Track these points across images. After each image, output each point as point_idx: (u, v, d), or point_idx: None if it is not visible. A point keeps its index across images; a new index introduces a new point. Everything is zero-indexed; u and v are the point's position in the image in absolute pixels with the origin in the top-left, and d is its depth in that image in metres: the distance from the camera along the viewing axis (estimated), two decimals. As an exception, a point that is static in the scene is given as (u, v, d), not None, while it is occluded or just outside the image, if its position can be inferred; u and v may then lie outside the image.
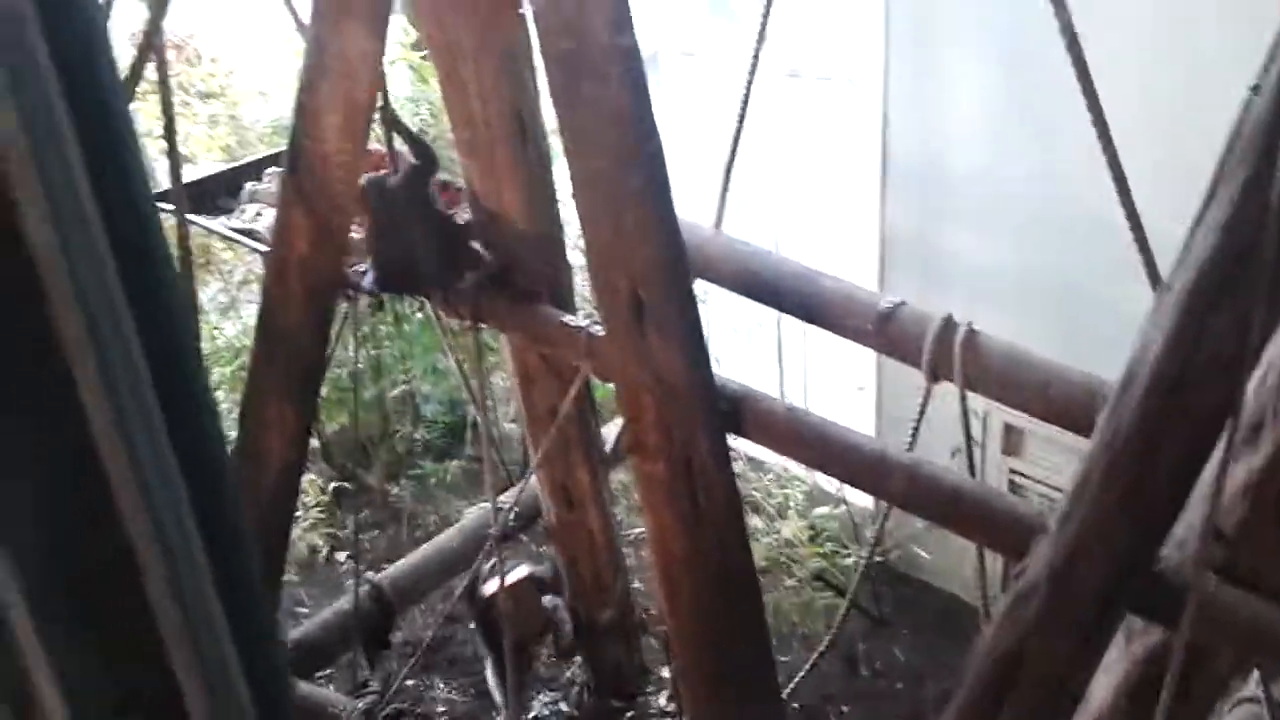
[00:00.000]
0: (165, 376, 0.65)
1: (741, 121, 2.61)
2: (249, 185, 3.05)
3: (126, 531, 0.61)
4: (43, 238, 0.54)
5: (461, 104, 2.44)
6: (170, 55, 4.87)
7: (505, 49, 2.33)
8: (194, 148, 5.57)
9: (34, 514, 0.62)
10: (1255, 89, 1.54)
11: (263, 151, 5.77)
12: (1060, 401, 2.25)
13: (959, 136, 4.66)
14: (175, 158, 2.62)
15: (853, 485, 2.72)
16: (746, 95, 2.52)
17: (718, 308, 4.83)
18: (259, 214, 2.90)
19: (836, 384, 5.55)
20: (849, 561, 4.84)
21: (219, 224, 2.87)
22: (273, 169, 3.08)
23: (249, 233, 2.83)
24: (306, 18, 2.42)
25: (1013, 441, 4.61)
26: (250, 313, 5.28)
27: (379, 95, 2.40)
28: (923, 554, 4.90)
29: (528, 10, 2.23)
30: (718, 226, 2.81)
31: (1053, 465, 4.45)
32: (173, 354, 0.67)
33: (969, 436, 2.44)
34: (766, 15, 2.38)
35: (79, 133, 0.56)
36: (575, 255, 3.11)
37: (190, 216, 2.78)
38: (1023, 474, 4.63)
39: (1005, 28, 4.18)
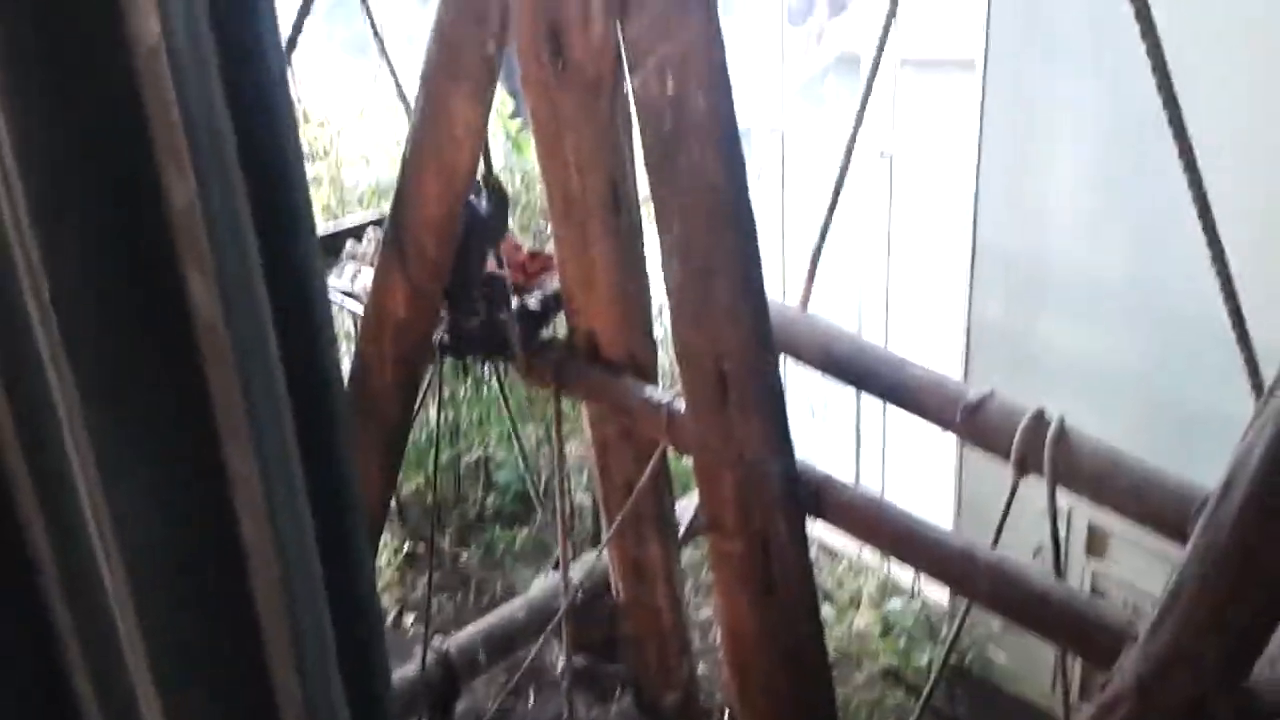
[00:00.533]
0: (313, 438, 0.65)
1: (834, 203, 2.61)
2: (349, 245, 3.13)
3: (252, 586, 0.62)
4: (206, 298, 0.55)
5: (558, 174, 2.49)
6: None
7: (605, 121, 2.37)
8: (295, 207, 5.73)
9: (170, 567, 0.62)
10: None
11: (361, 214, 5.95)
12: (1154, 505, 2.18)
13: (1053, 225, 4.62)
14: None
15: (938, 579, 2.65)
16: (841, 178, 2.53)
17: (798, 388, 4.81)
18: (357, 274, 2.97)
19: (915, 471, 5.46)
20: (923, 659, 4.71)
21: (316, 282, 2.95)
22: (372, 230, 3.16)
23: (346, 293, 2.90)
24: (413, 86, 2.50)
25: (1096, 542, 4.48)
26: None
27: (480, 162, 2.46)
28: (999, 655, 4.76)
29: (629, 84, 2.27)
30: (804, 306, 2.80)
31: (1136, 569, 4.31)
32: (324, 420, 0.68)
33: (1056, 534, 2.37)
34: (866, 98, 2.39)
35: (252, 189, 0.58)
36: (660, 328, 3.13)
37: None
38: (1105, 576, 4.49)
39: (1105, 115, 4.14)
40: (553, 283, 2.99)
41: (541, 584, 4.03)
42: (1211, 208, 2.11)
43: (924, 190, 5.59)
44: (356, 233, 3.22)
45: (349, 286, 2.94)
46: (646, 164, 2.44)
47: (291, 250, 0.64)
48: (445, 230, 2.49)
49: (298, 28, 2.61)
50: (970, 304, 4.98)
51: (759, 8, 7.66)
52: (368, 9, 3.21)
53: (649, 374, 2.93)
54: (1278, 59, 3.62)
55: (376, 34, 3.31)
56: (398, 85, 3.12)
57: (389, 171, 5.76)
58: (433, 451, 4.21)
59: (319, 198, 5.76)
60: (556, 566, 3.62)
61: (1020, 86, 4.50)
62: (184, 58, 0.52)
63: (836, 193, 2.65)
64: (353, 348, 2.86)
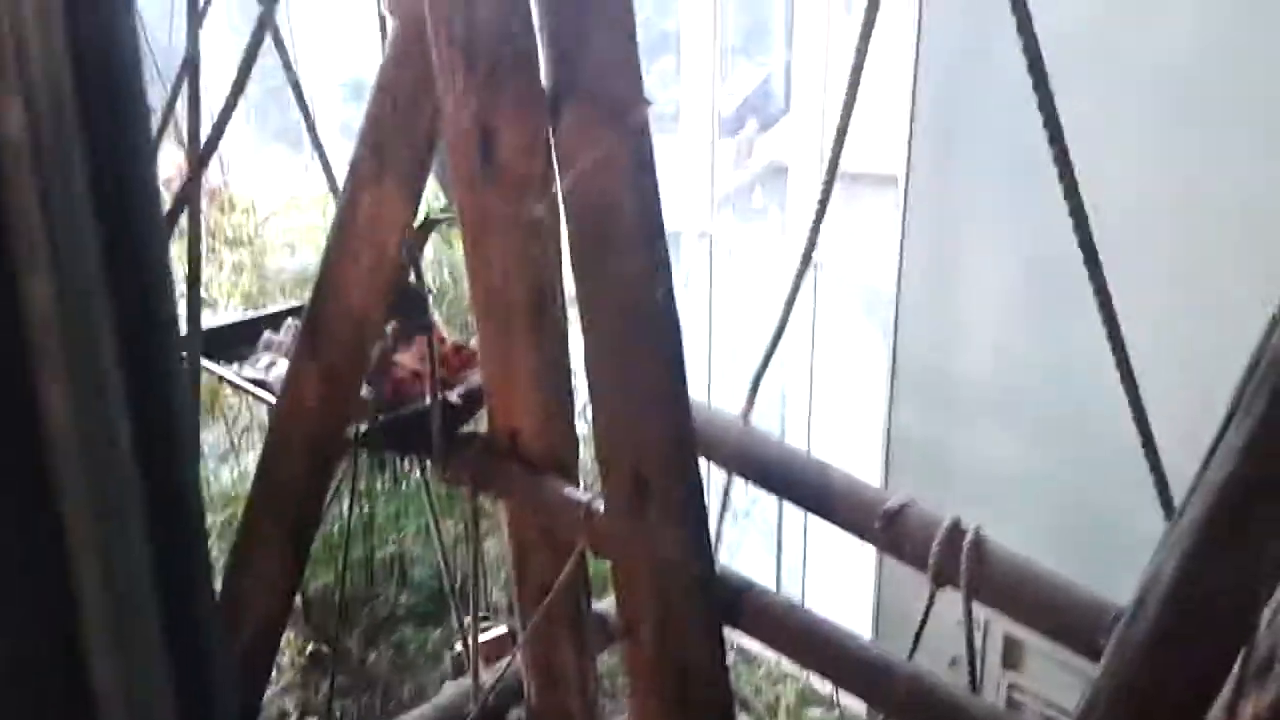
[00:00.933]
0: (163, 524, 0.62)
1: (784, 322, 2.64)
2: (266, 334, 3.07)
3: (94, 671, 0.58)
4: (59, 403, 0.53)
5: (484, 271, 2.47)
6: (204, 201, 5.01)
7: (534, 221, 2.38)
8: (215, 292, 5.66)
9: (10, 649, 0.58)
10: (1278, 316, 1.55)
11: (283, 302, 5.87)
12: (1066, 620, 2.18)
13: (972, 339, 4.72)
14: (196, 305, 2.65)
15: (853, 691, 2.62)
16: (793, 295, 2.56)
17: (719, 492, 4.79)
18: (272, 364, 2.91)
19: (836, 578, 5.45)
20: (839, 768, 4.64)
21: (230, 371, 2.88)
22: (291, 320, 3.11)
23: (259, 382, 2.84)
24: (342, 176, 2.49)
25: (1013, 654, 4.49)
26: (249, 460, 5.25)
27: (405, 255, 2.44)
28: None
29: (559, 186, 2.28)
30: (746, 420, 2.80)
31: (1052, 682, 4.32)
32: (174, 502, 0.65)
33: (972, 647, 2.37)
34: (819, 220, 2.44)
35: (111, 284, 0.56)
36: (583, 426, 3.10)
37: (204, 363, 2.80)
38: (1022, 689, 4.49)
39: (1024, 236, 4.28)
40: (476, 377, 2.96)
41: (452, 688, 3.90)
42: (1124, 337, 2.16)
43: (848, 299, 5.69)
44: (274, 321, 3.17)
45: (263, 375, 2.88)
46: (572, 264, 2.45)
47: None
48: (364, 322, 2.46)
49: (225, 115, 2.59)
50: (890, 414, 5.05)
51: (692, 119, 7.86)
52: (300, 99, 3.20)
53: (570, 474, 2.89)
54: (1198, 196, 3.78)
55: (309, 123, 3.31)
56: (328, 174, 3.11)
57: (314, 260, 5.71)
58: (344, 546, 4.10)
59: (240, 285, 5.69)
60: (466, 670, 3.52)
61: (941, 205, 4.64)
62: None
63: (787, 310, 2.69)
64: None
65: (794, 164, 7.29)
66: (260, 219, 6.00)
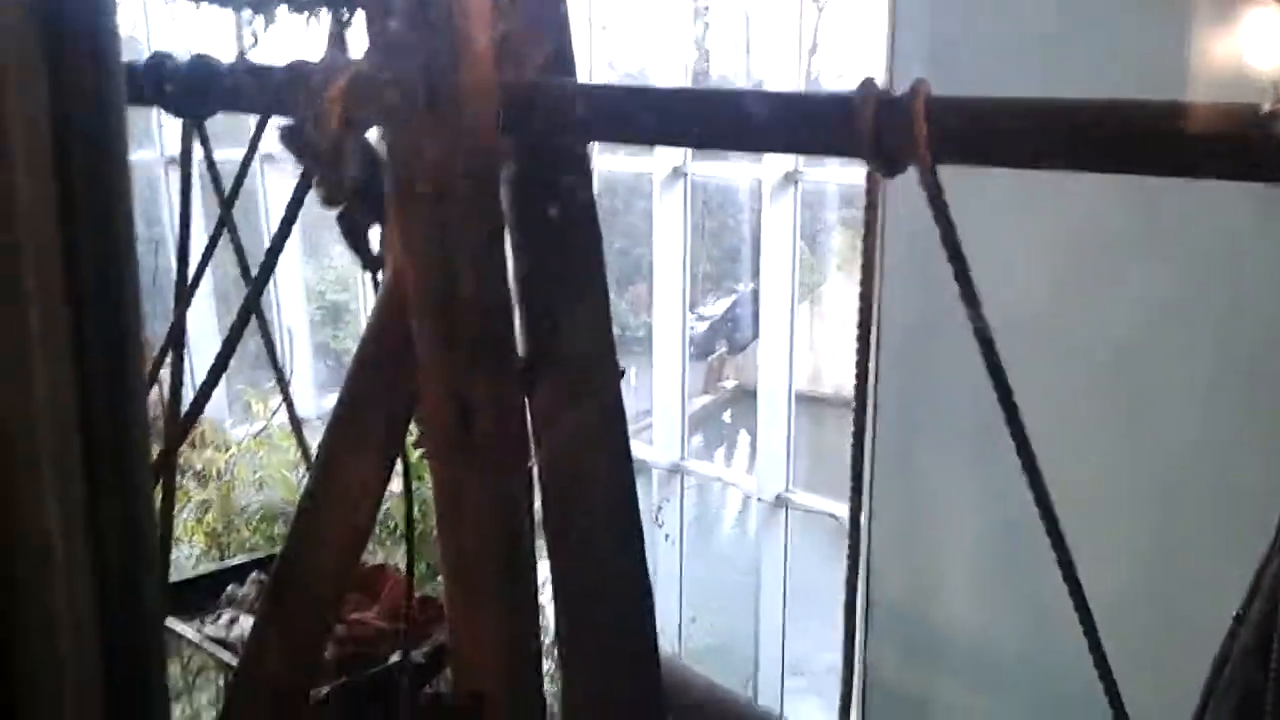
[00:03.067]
0: None
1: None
2: (230, 588, 3.03)
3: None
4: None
5: (455, 535, 2.47)
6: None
7: (507, 490, 2.39)
8: (180, 530, 5.60)
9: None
10: (1238, 617, 1.57)
11: (246, 537, 5.81)
12: None
13: (945, 586, 4.70)
14: (165, 566, 2.62)
15: None
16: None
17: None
18: (234, 620, 2.85)
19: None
20: None
21: (191, 629, 2.82)
22: (255, 574, 3.06)
23: (221, 641, 2.77)
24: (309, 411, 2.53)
25: None
26: (201, 699, 5.04)
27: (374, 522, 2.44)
28: None
29: (534, 463, 2.32)
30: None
31: None
32: None
33: None
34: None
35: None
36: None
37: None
38: None
39: (996, 484, 4.33)
40: (442, 633, 2.90)
41: None
42: (1090, 605, 2.17)
43: (821, 541, 5.69)
44: (238, 574, 3.13)
45: (224, 634, 2.81)
46: (545, 531, 2.46)
47: None
48: (331, 589, 2.43)
49: (205, 391, 2.64)
50: (865, 658, 4.97)
51: (664, 343, 8.07)
52: (274, 358, 3.20)
53: (536, 739, 2.80)
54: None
55: (280, 376, 3.32)
56: (301, 440, 3.10)
57: (281, 495, 5.72)
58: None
59: (206, 521, 5.64)
60: None
61: (909, 449, 4.71)
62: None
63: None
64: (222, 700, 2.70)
65: (762, 387, 7.45)
66: (229, 453, 6.00)
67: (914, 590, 4.88)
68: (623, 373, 2.51)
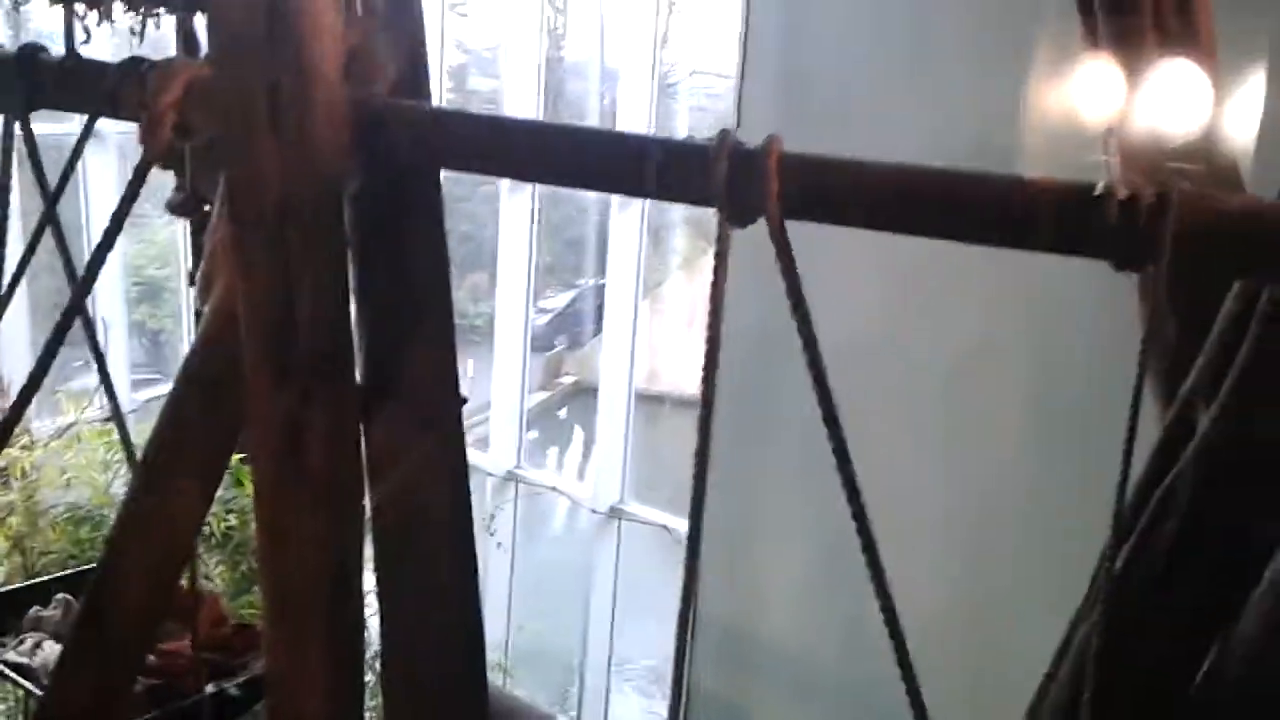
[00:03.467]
0: None
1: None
2: (34, 610, 2.83)
3: None
4: None
5: (279, 563, 2.37)
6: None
7: (337, 521, 2.32)
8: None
9: None
10: (1049, 675, 1.65)
11: (52, 539, 5.46)
12: None
13: (771, 603, 4.81)
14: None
15: None
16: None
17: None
18: (38, 646, 2.67)
19: None
20: None
21: (-11, 656, 2.63)
22: (61, 595, 2.88)
23: (23, 669, 2.59)
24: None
25: None
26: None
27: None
28: None
29: (368, 494, 2.26)
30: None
31: None
32: None
33: None
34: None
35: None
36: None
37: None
38: None
39: (822, 504, 4.45)
40: (259, 663, 2.79)
41: None
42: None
43: (656, 552, 5.74)
44: (44, 594, 2.93)
45: (27, 660, 2.63)
46: (375, 560, 2.40)
47: None
48: (146, 618, 2.30)
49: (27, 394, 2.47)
50: (689, 671, 5.03)
51: (505, 335, 7.96)
52: (97, 354, 3.04)
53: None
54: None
55: (103, 371, 3.11)
56: (128, 447, 2.89)
57: (89, 497, 5.40)
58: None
59: (9, 525, 5.26)
60: None
61: (743, 464, 4.78)
62: None
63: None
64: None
65: (603, 385, 7.43)
66: (34, 453, 5.61)
67: (740, 604, 4.98)
68: (464, 401, 2.47)
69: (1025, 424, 4.11)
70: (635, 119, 6.97)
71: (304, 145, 1.89)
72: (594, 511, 6.72)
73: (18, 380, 6.61)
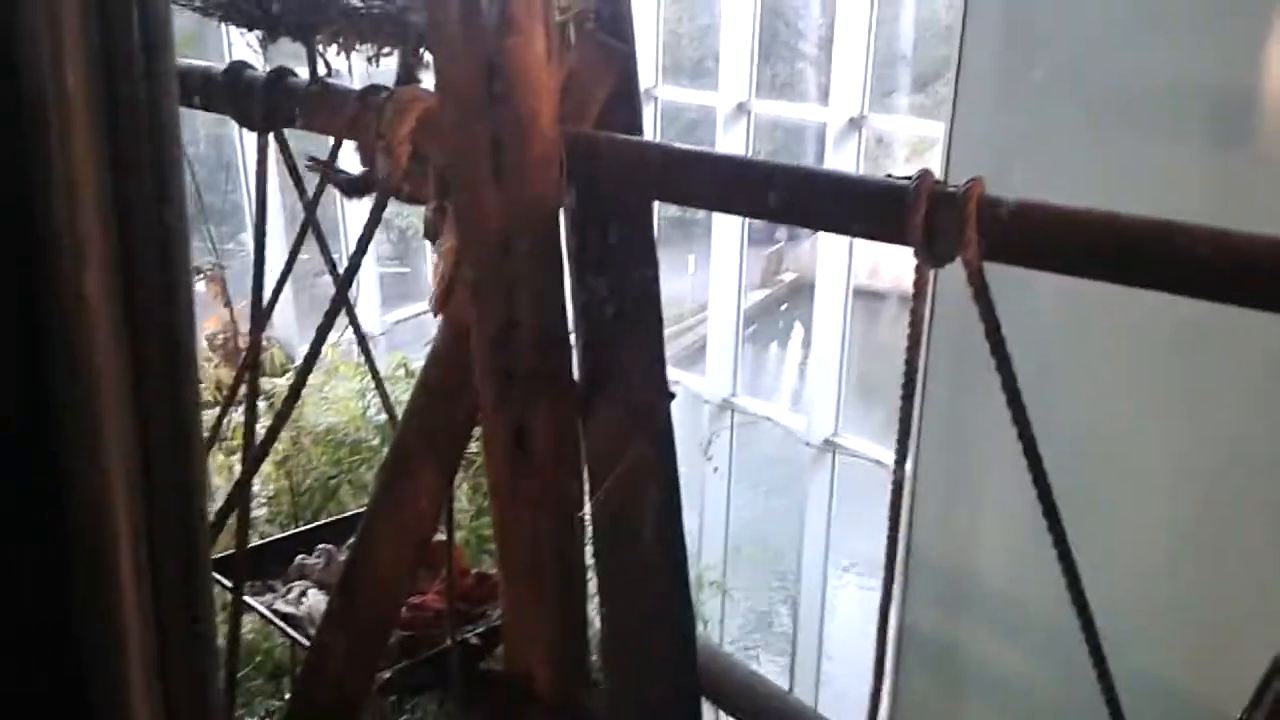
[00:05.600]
0: None
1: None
2: (299, 559, 3.20)
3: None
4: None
5: (512, 537, 2.60)
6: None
7: (562, 499, 2.51)
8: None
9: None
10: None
11: (313, 460, 6.04)
12: None
13: (984, 544, 4.79)
14: (244, 535, 2.78)
15: None
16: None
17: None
18: (303, 595, 3.03)
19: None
20: None
21: (263, 604, 3.01)
22: (324, 545, 3.23)
23: (291, 619, 2.95)
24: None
25: None
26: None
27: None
28: None
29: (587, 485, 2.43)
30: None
31: None
32: None
33: None
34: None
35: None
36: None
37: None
38: None
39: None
40: (496, 612, 3.08)
41: None
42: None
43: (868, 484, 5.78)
44: (309, 543, 3.30)
45: (294, 609, 3.00)
46: (594, 545, 2.60)
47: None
48: (395, 591, 2.59)
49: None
50: (903, 608, 5.11)
51: (724, 229, 7.80)
52: (353, 320, 3.27)
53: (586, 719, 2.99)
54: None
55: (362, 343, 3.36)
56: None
57: (344, 421, 5.92)
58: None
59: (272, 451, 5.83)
60: None
61: (958, 410, 4.73)
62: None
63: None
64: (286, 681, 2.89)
65: (820, 282, 7.27)
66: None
67: (955, 542, 4.98)
68: (673, 395, 2.61)
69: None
70: (854, 37, 6.74)
71: (522, 187, 2.04)
72: (808, 445, 6.81)
73: (285, 338, 7.20)
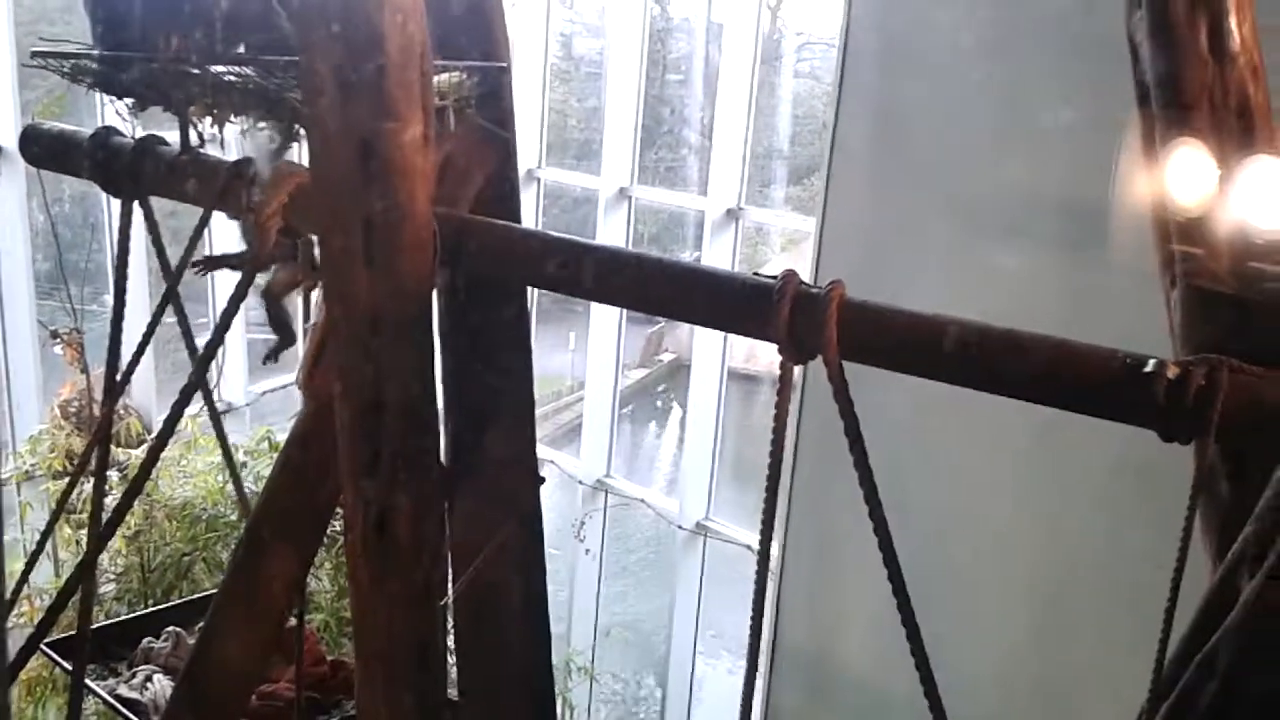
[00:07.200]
0: None
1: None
2: (145, 641, 3.06)
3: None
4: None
5: (370, 622, 2.53)
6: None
7: (423, 591, 2.46)
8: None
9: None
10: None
11: (166, 535, 5.78)
12: None
13: (849, 630, 4.86)
14: (87, 615, 2.64)
15: None
16: None
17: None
18: (149, 680, 2.89)
19: None
20: None
21: (104, 689, 2.85)
22: (172, 628, 3.10)
23: (132, 704, 2.81)
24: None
25: None
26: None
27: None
28: None
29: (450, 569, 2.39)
30: None
31: None
32: None
33: None
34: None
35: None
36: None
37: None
38: None
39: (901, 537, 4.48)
40: (351, 703, 2.97)
41: None
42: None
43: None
44: (156, 626, 3.15)
45: (138, 695, 2.85)
46: (455, 633, 2.55)
47: None
48: (245, 677, 2.49)
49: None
50: (768, 691, 5.12)
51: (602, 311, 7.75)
52: (208, 399, 3.20)
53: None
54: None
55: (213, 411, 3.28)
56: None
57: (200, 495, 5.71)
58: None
59: (126, 520, 5.59)
60: None
61: (825, 493, 4.80)
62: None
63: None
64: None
65: (695, 364, 7.32)
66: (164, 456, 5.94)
67: (817, 627, 5.03)
68: (542, 480, 2.59)
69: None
70: (738, 84, 6.79)
71: (393, 267, 2.02)
72: (680, 528, 6.83)
73: (143, 407, 6.95)
